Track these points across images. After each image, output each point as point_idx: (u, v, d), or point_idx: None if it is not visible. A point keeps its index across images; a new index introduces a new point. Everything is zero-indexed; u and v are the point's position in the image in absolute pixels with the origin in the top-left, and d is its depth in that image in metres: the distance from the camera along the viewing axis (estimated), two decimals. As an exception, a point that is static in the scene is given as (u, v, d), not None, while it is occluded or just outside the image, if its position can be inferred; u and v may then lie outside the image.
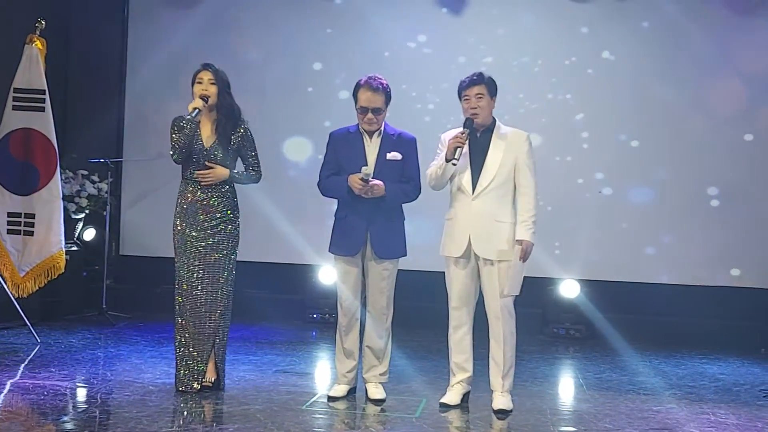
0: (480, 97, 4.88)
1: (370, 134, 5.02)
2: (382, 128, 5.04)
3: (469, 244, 4.85)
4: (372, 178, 4.82)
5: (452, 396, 5.02)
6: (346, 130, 5.11)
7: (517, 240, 4.80)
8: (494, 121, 4.98)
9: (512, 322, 4.94)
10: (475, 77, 4.92)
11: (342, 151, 5.05)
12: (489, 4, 7.97)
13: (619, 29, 7.77)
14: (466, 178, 4.88)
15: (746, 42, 7.62)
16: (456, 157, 4.76)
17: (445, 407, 4.96)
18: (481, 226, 4.84)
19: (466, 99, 4.90)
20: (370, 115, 4.93)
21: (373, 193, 4.85)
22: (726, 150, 7.65)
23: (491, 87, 4.93)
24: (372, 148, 5.00)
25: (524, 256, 4.80)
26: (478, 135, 4.93)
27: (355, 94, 5.01)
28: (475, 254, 4.87)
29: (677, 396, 5.50)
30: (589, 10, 7.81)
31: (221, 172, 5.04)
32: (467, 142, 4.83)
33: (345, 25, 8.11)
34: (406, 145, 5.05)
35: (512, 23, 7.95)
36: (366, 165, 4.91)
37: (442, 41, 8.02)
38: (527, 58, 7.89)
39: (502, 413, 4.85)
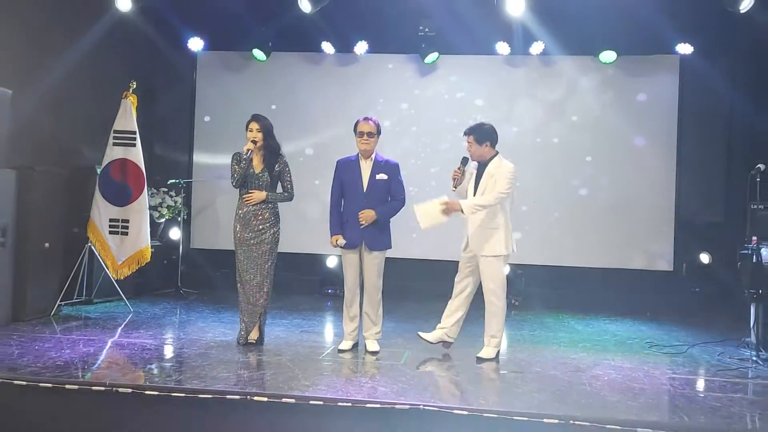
0: (470, 144, 4.94)
1: (365, 158, 5.01)
2: (374, 156, 5.02)
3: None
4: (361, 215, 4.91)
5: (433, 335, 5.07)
6: (347, 158, 5.11)
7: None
8: (493, 156, 4.92)
9: None
10: (465, 131, 4.96)
11: (344, 173, 5.04)
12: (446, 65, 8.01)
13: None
14: (470, 195, 4.93)
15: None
16: (453, 186, 4.96)
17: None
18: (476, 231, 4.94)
19: (467, 144, 4.95)
20: (365, 137, 4.95)
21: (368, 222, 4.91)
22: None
23: (477, 135, 4.90)
24: (366, 170, 5.00)
25: (449, 208, 4.76)
26: (477, 166, 4.97)
27: (355, 127, 5.04)
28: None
29: (587, 347, 5.49)
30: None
31: (260, 195, 5.07)
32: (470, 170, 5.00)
33: (345, 87, 8.13)
34: (391, 168, 5.05)
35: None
36: (362, 185, 4.93)
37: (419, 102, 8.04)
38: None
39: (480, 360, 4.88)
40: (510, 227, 4.88)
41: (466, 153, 4.99)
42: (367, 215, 4.90)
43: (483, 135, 4.91)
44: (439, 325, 5.10)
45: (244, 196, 5.12)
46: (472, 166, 5.01)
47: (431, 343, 5.06)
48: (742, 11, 5.88)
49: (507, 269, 5.15)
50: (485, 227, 4.87)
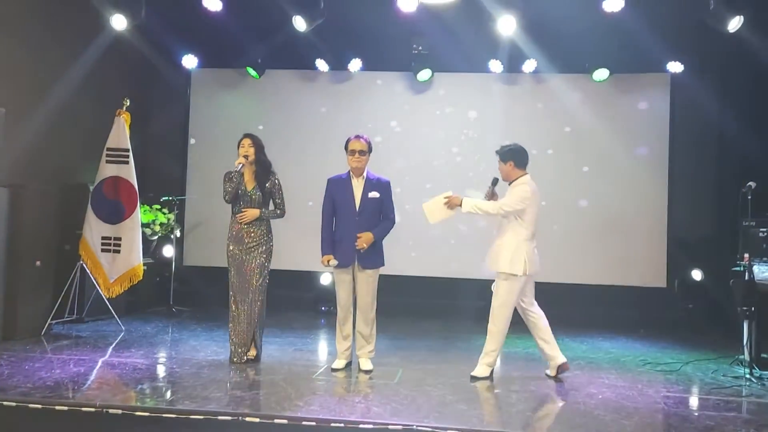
0: (498, 163, 5.00)
1: (357, 176, 5.01)
2: (365, 174, 5.03)
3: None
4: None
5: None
6: (339, 176, 5.10)
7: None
8: (520, 176, 4.94)
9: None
10: (496, 150, 5.02)
11: (336, 191, 5.03)
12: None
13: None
14: None
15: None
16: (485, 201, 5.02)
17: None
18: None
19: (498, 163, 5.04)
20: (357, 155, 4.96)
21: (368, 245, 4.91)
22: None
23: (501, 154, 4.99)
24: (358, 188, 5.00)
25: (451, 202, 4.84)
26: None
27: (346, 145, 5.04)
28: None
29: (581, 365, 5.47)
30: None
31: (254, 213, 5.09)
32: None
33: (339, 104, 8.17)
34: (383, 186, 5.05)
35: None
36: (354, 204, 4.92)
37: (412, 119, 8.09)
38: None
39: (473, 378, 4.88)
40: (522, 249, 4.83)
41: (498, 174, 5.05)
42: (366, 238, 4.88)
43: (506, 154, 4.98)
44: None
45: (237, 214, 5.13)
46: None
47: (558, 375, 4.99)
48: (731, 31, 5.95)
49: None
50: (496, 243, 4.93)
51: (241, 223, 5.11)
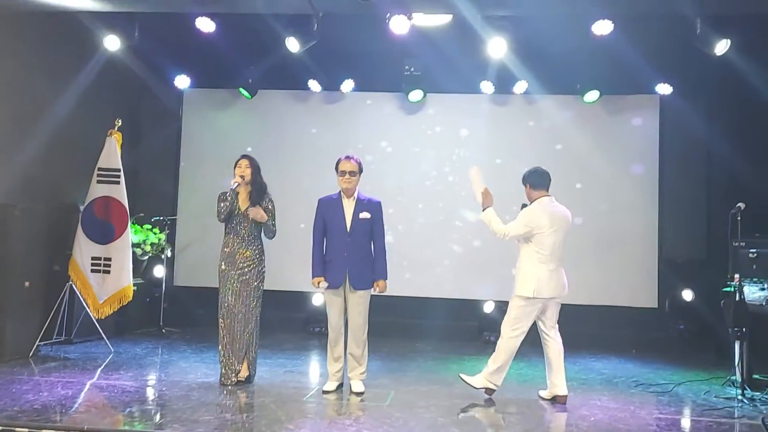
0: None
1: (348, 197, 5.02)
2: (356, 195, 5.04)
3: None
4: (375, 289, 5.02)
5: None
6: (329, 197, 5.11)
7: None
8: (538, 198, 4.97)
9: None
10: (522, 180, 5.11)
11: (327, 212, 5.04)
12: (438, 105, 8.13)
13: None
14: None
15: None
16: None
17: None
18: None
19: None
20: (347, 176, 4.97)
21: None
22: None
23: (522, 180, 5.06)
24: (349, 209, 5.01)
25: (484, 196, 4.95)
26: None
27: (337, 166, 5.05)
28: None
29: (573, 386, 5.42)
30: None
31: (263, 215, 5.11)
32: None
33: (331, 125, 8.21)
34: (374, 207, 5.06)
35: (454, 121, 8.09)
36: (345, 225, 4.94)
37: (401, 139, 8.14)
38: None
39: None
40: (533, 271, 4.83)
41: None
42: (383, 285, 4.97)
43: (524, 178, 5.06)
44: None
45: (251, 210, 5.09)
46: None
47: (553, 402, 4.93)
48: (718, 54, 6.05)
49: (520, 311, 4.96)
50: (517, 264, 4.97)
51: (237, 238, 5.09)
